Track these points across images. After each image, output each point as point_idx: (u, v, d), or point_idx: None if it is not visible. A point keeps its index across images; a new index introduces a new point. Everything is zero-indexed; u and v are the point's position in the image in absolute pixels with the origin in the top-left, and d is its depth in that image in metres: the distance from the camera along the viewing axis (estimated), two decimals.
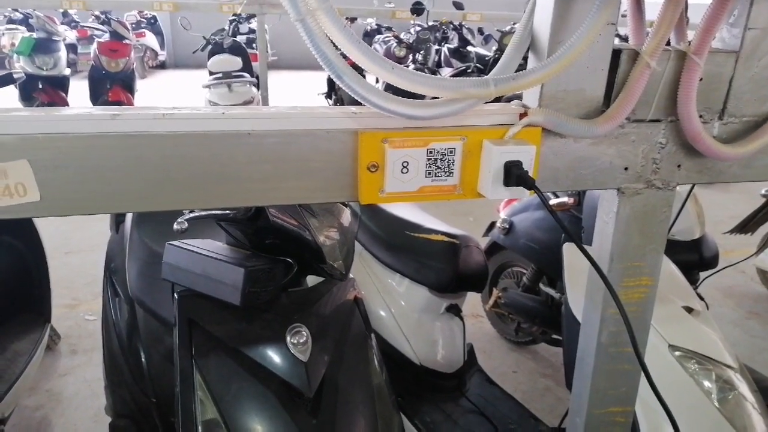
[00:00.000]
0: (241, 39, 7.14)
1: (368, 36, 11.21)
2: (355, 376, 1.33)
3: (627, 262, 0.99)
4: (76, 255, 3.83)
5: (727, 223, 3.63)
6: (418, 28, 8.15)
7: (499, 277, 3.06)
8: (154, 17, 11.23)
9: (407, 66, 5.41)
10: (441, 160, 0.82)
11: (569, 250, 1.76)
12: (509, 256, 2.97)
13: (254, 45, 7.52)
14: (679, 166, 0.95)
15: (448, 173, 0.83)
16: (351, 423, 1.26)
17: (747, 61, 0.90)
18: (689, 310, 1.56)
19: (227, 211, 1.20)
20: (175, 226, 1.19)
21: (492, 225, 2.96)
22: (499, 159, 0.80)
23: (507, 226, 2.75)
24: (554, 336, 2.81)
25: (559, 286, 2.61)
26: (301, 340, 1.26)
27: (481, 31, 7.90)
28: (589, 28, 0.78)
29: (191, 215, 1.20)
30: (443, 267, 2.01)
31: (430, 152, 0.82)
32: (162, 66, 11.82)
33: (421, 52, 5.58)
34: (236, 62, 5.30)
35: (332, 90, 7.35)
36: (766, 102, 0.94)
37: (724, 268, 2.37)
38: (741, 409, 1.41)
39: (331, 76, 0.75)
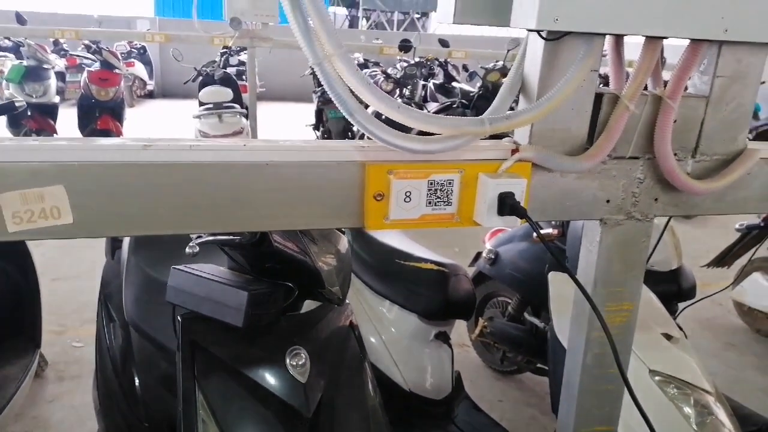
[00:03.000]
0: (230, 71, 7.26)
1: None
2: (351, 399, 1.38)
3: (609, 287, 1.06)
4: (64, 281, 3.82)
5: (705, 257, 3.76)
6: (405, 64, 8.34)
7: (484, 307, 3.12)
8: (143, 47, 11.35)
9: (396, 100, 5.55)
10: (440, 190, 0.90)
11: (555, 279, 1.84)
12: (495, 286, 3.04)
13: (244, 77, 7.64)
14: (656, 199, 1.04)
15: (446, 203, 0.91)
16: None
17: (716, 105, 1.00)
18: (668, 337, 1.63)
19: (233, 237, 1.25)
20: (187, 250, 1.25)
21: (478, 255, 3.03)
22: (493, 190, 0.88)
23: (493, 257, 2.83)
24: (539, 365, 2.86)
25: (543, 316, 2.67)
26: (300, 362, 1.31)
27: (465, 67, 8.11)
28: (575, 74, 0.87)
29: (202, 239, 1.25)
30: (433, 295, 2.07)
31: (431, 183, 0.89)
32: (150, 95, 11.90)
33: (408, 87, 5.73)
34: (227, 93, 5.40)
35: (320, 122, 7.47)
36: (733, 142, 1.04)
37: (701, 299, 2.46)
38: None
39: (344, 114, 0.82)
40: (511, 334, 2.76)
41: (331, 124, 7.17)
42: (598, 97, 0.95)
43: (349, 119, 0.83)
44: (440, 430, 2.08)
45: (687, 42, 0.94)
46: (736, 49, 0.96)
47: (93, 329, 3.23)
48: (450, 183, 0.90)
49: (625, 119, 0.94)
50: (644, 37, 0.90)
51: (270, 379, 1.28)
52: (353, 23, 18.03)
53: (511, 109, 0.95)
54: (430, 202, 0.90)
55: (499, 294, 3.04)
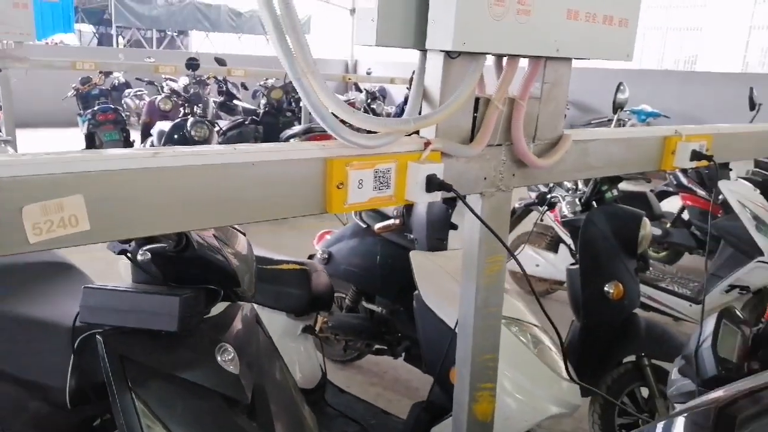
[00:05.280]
0: None
1: (117, 90, 10.66)
2: (275, 382, 1.52)
3: (489, 244, 1.40)
4: None
5: None
6: (172, 83, 8.08)
7: None
8: None
9: (187, 118, 5.48)
10: (383, 177, 1.13)
11: (415, 257, 2.16)
12: None
13: None
14: (513, 174, 1.40)
15: (386, 186, 1.14)
16: (285, 421, 1.45)
17: (545, 104, 1.40)
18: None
19: (160, 245, 1.31)
20: (139, 257, 1.27)
21: (311, 257, 3.26)
22: (422, 173, 1.14)
23: (326, 256, 3.08)
24: (377, 346, 3.19)
25: (377, 301, 3.01)
26: (229, 357, 1.41)
27: (244, 86, 8.23)
28: (468, 84, 1.18)
29: (150, 246, 1.28)
30: (298, 292, 2.25)
31: (376, 172, 1.12)
32: None
33: (200, 105, 5.69)
34: None
35: (92, 146, 6.92)
36: (555, 130, 1.45)
37: None
38: (549, 356, 1.93)
39: (315, 117, 1.01)
40: (352, 324, 3.03)
41: (108, 146, 6.71)
42: (476, 100, 1.27)
43: (321, 123, 1.01)
44: (318, 414, 2.26)
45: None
46: (555, 63, 1.37)
47: None
48: (389, 171, 1.14)
49: (495, 117, 1.28)
50: (508, 56, 1.25)
51: (205, 376, 1.36)
52: (102, 41, 16.67)
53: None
54: (375, 187, 1.13)
55: (334, 291, 3.30)
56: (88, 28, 16.72)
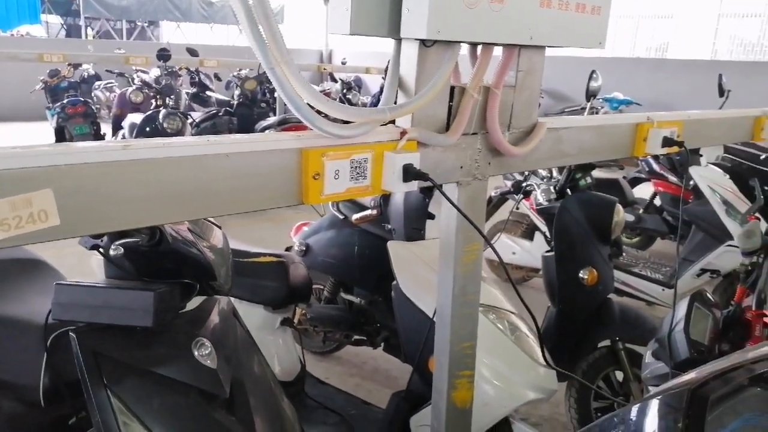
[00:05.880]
0: None
1: (87, 82, 10.44)
2: (254, 375, 1.51)
3: (466, 232, 1.40)
4: None
5: None
6: (143, 75, 7.96)
7: None
8: None
9: (159, 110, 5.39)
10: (359, 167, 1.13)
11: (393, 246, 2.16)
12: None
13: None
14: (489, 163, 1.41)
15: (363, 177, 1.14)
16: (264, 415, 1.44)
17: (519, 92, 1.40)
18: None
19: (135, 239, 1.28)
20: (112, 252, 1.24)
21: (288, 249, 3.24)
22: (399, 163, 1.14)
23: (304, 248, 3.06)
24: (356, 337, 3.19)
25: (356, 292, 3.01)
26: (206, 352, 1.40)
27: (217, 77, 8.13)
28: (444, 72, 1.18)
29: (123, 240, 1.25)
30: (276, 284, 2.24)
31: (352, 162, 1.11)
32: None
33: (172, 96, 5.60)
34: None
35: (62, 140, 6.78)
36: (530, 118, 1.46)
37: None
38: (526, 342, 1.95)
39: (290, 107, 1.00)
40: (331, 315, 3.03)
41: (78, 140, 6.58)
42: (452, 89, 1.27)
43: (295, 113, 1.00)
44: (299, 405, 2.26)
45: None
46: (529, 51, 1.37)
47: None
48: (365, 161, 1.13)
49: (471, 105, 1.28)
50: (483, 44, 1.25)
51: (182, 371, 1.35)
52: (71, 32, 16.27)
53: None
54: (352, 177, 1.12)
55: (312, 283, 3.29)
56: (55, 19, 16.29)
